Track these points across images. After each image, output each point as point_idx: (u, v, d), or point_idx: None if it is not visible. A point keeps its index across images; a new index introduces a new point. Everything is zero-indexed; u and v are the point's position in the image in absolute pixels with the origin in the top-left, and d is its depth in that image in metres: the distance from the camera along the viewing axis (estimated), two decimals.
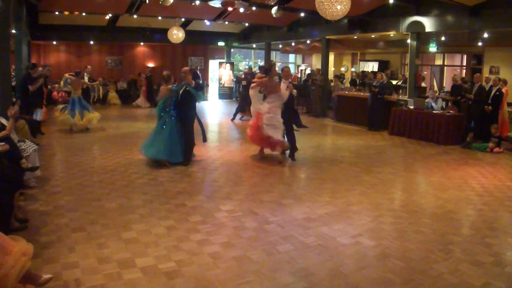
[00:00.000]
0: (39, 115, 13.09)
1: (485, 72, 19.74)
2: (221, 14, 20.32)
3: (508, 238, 6.40)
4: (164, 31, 20.07)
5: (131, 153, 11.13)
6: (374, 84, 16.52)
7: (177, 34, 18.97)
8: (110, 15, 20.39)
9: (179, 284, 4.63)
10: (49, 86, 16.65)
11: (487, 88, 13.82)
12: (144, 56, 26.79)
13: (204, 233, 6.04)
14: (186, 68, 10.76)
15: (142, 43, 26.28)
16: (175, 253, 5.38)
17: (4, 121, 7.45)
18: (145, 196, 7.66)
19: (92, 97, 17.10)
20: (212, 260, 5.21)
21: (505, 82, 14.54)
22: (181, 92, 10.04)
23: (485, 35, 16.64)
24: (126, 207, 7.04)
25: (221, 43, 27.62)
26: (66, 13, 19.33)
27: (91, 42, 24.82)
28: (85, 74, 18.16)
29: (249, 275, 4.89)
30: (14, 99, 10.66)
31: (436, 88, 20.85)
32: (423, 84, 19.88)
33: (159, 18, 20.66)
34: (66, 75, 15.34)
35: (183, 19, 21.66)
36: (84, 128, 14.45)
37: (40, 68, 16.40)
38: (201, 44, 27.59)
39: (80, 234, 5.87)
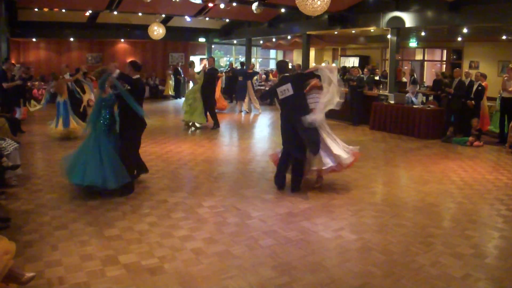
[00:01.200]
0: (18, 113, 13.00)
1: (465, 67, 19.91)
2: (201, 10, 20.26)
3: (487, 230, 6.48)
4: (145, 28, 19.95)
5: None
6: (352, 78, 16.60)
7: (157, 31, 18.88)
8: (90, 11, 20.25)
9: (162, 280, 4.64)
10: (29, 84, 16.23)
11: (466, 83, 13.97)
12: (125, 52, 26.61)
13: (186, 229, 6.04)
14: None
15: (122, 40, 26.09)
16: (158, 249, 5.39)
17: None
18: None
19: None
20: (195, 256, 5.23)
21: (484, 77, 14.69)
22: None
23: (465, 30, 16.78)
24: (109, 204, 7.01)
25: (202, 39, 27.50)
26: (46, 9, 19.17)
27: (71, 39, 24.56)
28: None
29: (231, 270, 4.91)
30: None
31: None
32: (403, 79, 20.01)
33: (140, 14, 20.60)
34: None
35: (163, 15, 21.53)
36: (64, 137, 12.42)
37: (18, 65, 16.29)
38: (181, 40, 27.46)
39: (63, 232, 5.84)
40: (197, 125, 15.12)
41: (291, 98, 7.79)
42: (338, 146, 8.09)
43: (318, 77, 7.93)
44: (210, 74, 15.18)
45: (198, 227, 6.16)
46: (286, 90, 7.79)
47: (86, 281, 4.58)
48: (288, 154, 7.98)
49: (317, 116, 7.78)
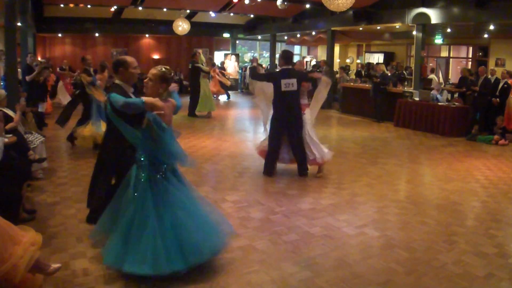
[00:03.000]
0: (41, 107, 13.18)
1: (491, 64, 19.64)
2: (226, 5, 20.28)
3: None
4: (169, 23, 20.08)
5: None
6: (375, 75, 16.54)
7: (182, 26, 18.98)
8: (115, 7, 20.39)
9: (185, 273, 4.66)
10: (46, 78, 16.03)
11: (492, 81, 13.83)
12: (150, 48, 26.80)
13: None
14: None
15: (147, 35, 26.25)
16: None
17: (11, 113, 7.53)
18: None
19: None
20: None
21: (510, 75, 14.52)
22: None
23: (491, 27, 16.59)
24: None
25: (226, 35, 27.56)
26: (71, 5, 19.33)
27: (96, 34, 24.79)
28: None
29: (254, 264, 4.95)
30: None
31: (441, 80, 20.75)
32: (430, 76, 19.81)
33: (164, 10, 20.64)
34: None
35: (188, 11, 21.62)
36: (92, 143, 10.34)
37: (43, 60, 16.52)
38: (206, 35, 27.53)
39: (87, 225, 5.89)
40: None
41: (293, 94, 8.09)
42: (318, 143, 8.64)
43: (311, 81, 8.61)
44: (194, 69, 16.17)
45: None
46: (291, 84, 8.20)
47: (110, 273, 4.64)
48: (278, 146, 8.54)
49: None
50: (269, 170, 8.64)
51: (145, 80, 4.78)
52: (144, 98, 4.56)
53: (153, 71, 4.78)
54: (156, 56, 26.58)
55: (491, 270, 5.03)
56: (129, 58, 5.38)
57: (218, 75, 19.30)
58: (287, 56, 8.49)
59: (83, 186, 7.59)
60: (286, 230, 5.96)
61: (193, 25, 20.89)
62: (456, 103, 14.57)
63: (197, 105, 16.24)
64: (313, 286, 4.56)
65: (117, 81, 5.26)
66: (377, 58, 24.94)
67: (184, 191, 4.90)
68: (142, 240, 4.43)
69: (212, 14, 22.27)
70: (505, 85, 13.56)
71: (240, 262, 5.02)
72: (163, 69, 4.82)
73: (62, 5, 19.37)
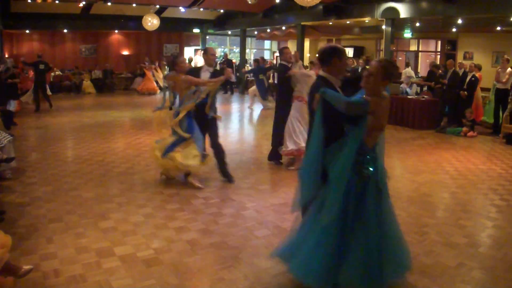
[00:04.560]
0: (12, 105, 12.98)
1: (459, 58, 19.90)
2: (196, 0, 20.19)
3: (481, 219, 6.54)
4: (139, 19, 19.90)
5: (107, 142, 11.06)
6: (346, 69, 16.55)
7: (151, 21, 18.84)
8: (83, 2, 20.11)
9: (157, 271, 4.66)
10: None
11: (460, 74, 14.01)
12: (119, 44, 26.54)
13: (181, 220, 6.06)
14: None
15: (116, 31, 26.01)
16: (153, 240, 5.40)
17: None
18: (122, 185, 7.64)
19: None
20: (190, 247, 5.25)
21: (479, 68, 14.74)
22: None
23: (459, 21, 16.79)
24: (103, 196, 7.02)
25: (196, 30, 27.46)
26: (39, 0, 19.04)
27: (65, 31, 24.45)
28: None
29: (227, 260, 4.93)
30: None
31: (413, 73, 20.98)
32: (405, 70, 19.91)
33: (134, 5, 20.47)
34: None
35: (157, 6, 21.46)
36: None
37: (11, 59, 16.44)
38: (176, 31, 27.40)
39: (58, 225, 5.84)
40: None
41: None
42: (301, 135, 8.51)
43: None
44: None
45: (194, 218, 6.17)
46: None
47: (81, 273, 4.58)
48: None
49: None
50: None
51: (365, 74, 4.09)
52: (368, 98, 4.01)
53: (375, 64, 4.11)
54: (125, 52, 26.35)
55: (462, 260, 5.10)
56: (342, 47, 4.69)
57: (155, 70, 19.23)
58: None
59: (53, 185, 7.53)
60: (258, 226, 5.96)
61: (163, 20, 20.73)
62: (425, 96, 14.74)
63: None
64: (286, 281, 4.56)
65: (322, 73, 4.55)
66: (347, 52, 24.96)
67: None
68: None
69: (182, 9, 22.20)
70: (473, 78, 13.73)
71: (212, 258, 5.00)
72: (386, 62, 4.19)
73: (29, 1, 19.10)
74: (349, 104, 3.99)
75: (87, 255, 4.98)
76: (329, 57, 4.45)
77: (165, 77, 8.19)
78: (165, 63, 25.62)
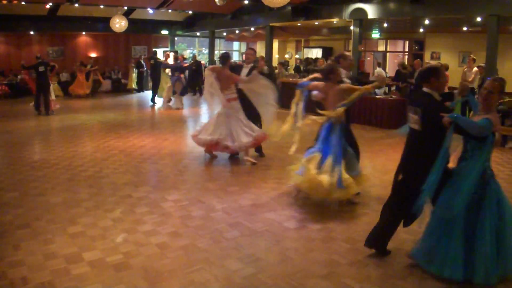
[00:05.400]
0: None
1: (427, 58, 20.22)
2: (164, 2, 20.09)
3: None
4: (107, 20, 19.63)
5: (75, 145, 10.91)
6: (316, 70, 16.72)
7: (119, 23, 18.63)
8: (50, 4, 19.83)
9: (127, 276, 4.62)
10: None
11: None
12: (87, 46, 26.21)
13: (151, 224, 6.02)
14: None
15: (84, 33, 25.68)
16: (123, 245, 5.36)
17: None
18: (91, 189, 7.55)
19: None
20: (160, 251, 5.22)
21: (445, 68, 14.97)
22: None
23: (426, 21, 17.03)
24: (72, 201, 6.92)
25: (164, 32, 27.30)
26: (4, 1, 18.68)
27: (32, 32, 24.01)
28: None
29: (197, 263, 4.92)
30: None
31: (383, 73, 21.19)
32: (377, 70, 20.08)
33: (101, 6, 20.26)
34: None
35: (125, 8, 21.28)
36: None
37: None
38: (144, 33, 27.17)
39: (25, 231, 5.75)
40: None
41: None
42: (242, 132, 9.14)
43: None
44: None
45: (163, 221, 6.14)
46: None
47: (50, 280, 4.52)
48: None
49: None
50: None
51: (484, 93, 4.58)
52: (492, 119, 4.47)
53: (492, 82, 4.64)
54: (93, 54, 26.03)
55: None
56: (438, 66, 5.12)
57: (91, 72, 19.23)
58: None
59: (20, 191, 7.41)
60: (227, 227, 5.95)
61: (131, 22, 20.53)
62: (393, 96, 14.90)
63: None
64: (256, 282, 4.57)
65: (426, 90, 4.90)
66: (315, 53, 25.22)
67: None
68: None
69: (150, 10, 22.05)
70: None
71: (182, 261, 4.97)
72: (501, 80, 4.69)
73: None
74: (481, 128, 4.44)
75: (56, 261, 4.91)
76: (427, 77, 4.90)
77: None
78: (133, 65, 25.44)
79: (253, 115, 9.50)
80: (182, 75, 18.49)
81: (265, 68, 8.16)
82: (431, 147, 4.72)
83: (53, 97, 16.47)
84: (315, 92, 7.36)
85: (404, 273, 4.82)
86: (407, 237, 5.65)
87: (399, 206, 5.13)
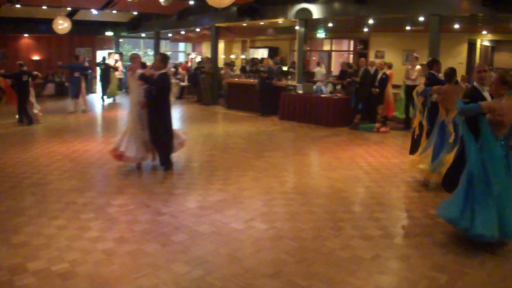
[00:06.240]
0: None
1: (371, 56, 20.54)
2: (108, 3, 19.80)
3: (395, 211, 6.88)
4: (50, 22, 19.21)
5: (17, 151, 10.58)
6: (262, 69, 16.82)
7: (63, 25, 18.26)
8: None
9: (74, 284, 4.54)
10: None
11: (372, 72, 14.47)
12: (29, 48, 25.54)
13: (96, 230, 5.92)
14: None
15: (26, 35, 25.02)
16: (68, 253, 5.24)
17: None
18: (34, 196, 7.36)
19: None
20: (106, 257, 5.13)
21: (389, 66, 15.33)
22: None
23: (371, 21, 17.32)
24: (15, 209, 6.72)
25: (109, 33, 26.91)
26: None
27: None
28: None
29: (144, 268, 4.87)
30: None
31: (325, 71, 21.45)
32: (316, 69, 20.31)
33: (44, 7, 19.80)
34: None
35: (69, 9, 20.88)
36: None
37: None
38: (88, 34, 26.67)
39: None
40: None
41: None
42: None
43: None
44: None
45: (109, 227, 6.05)
46: None
47: (15, 278, 4.46)
48: None
49: None
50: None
51: (489, 83, 5.93)
52: (481, 103, 5.59)
53: (494, 75, 5.87)
54: (36, 57, 25.42)
55: (377, 252, 5.31)
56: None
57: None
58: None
59: None
60: (174, 231, 5.91)
61: (75, 23, 20.10)
62: (338, 95, 15.11)
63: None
64: (205, 285, 4.57)
65: (475, 84, 6.17)
66: (261, 53, 25.31)
67: None
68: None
69: (94, 11, 21.65)
70: (384, 76, 14.24)
71: (129, 267, 4.91)
72: (503, 72, 5.82)
73: None
74: (461, 109, 5.70)
75: None
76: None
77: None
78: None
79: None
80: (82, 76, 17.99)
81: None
82: None
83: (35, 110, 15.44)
84: (435, 96, 8.04)
85: (352, 269, 4.89)
86: (352, 232, 5.73)
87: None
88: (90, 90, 24.23)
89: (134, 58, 9.47)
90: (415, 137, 8.71)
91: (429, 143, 7.97)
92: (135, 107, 8.87)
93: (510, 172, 5.62)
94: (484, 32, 18.69)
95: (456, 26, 16.19)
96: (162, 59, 8.97)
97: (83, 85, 17.91)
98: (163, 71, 8.71)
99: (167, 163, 8.96)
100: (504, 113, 5.41)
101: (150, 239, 5.65)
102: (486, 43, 20.45)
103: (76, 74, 17.51)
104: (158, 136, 8.81)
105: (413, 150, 8.84)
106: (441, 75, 8.89)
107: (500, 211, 5.34)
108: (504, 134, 5.61)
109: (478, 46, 19.69)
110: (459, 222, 5.48)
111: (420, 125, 8.50)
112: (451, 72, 7.86)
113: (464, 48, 18.85)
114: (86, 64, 19.50)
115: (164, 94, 8.77)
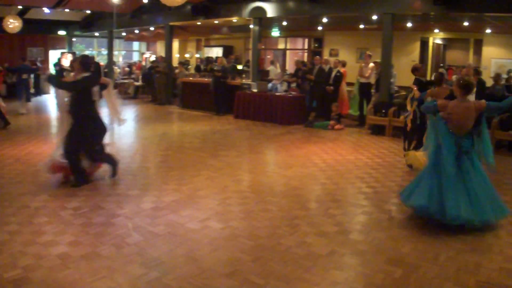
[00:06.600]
0: None
1: (326, 55, 20.78)
2: (60, 1, 19.46)
3: (350, 207, 7.00)
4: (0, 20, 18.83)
5: None
6: (216, 68, 16.83)
7: (13, 23, 17.91)
8: None
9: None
10: None
11: (326, 70, 14.64)
12: None
13: (50, 234, 5.80)
14: None
15: None
16: (21, 258, 5.12)
17: None
18: None
19: None
20: (61, 261, 5.04)
21: (343, 64, 15.54)
22: None
23: (325, 19, 17.51)
24: None
25: (61, 32, 26.43)
26: None
27: None
28: None
29: (100, 271, 4.81)
30: None
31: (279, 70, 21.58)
32: (270, 67, 20.41)
33: None
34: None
35: (20, 7, 20.44)
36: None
37: None
38: (40, 33, 26.11)
39: None
40: None
41: None
42: None
43: None
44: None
45: (63, 230, 5.94)
46: None
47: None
48: None
49: None
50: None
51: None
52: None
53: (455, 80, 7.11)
54: None
55: (333, 248, 5.40)
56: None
57: None
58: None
59: None
60: (129, 232, 5.87)
61: (26, 22, 19.70)
62: (293, 93, 15.25)
63: None
64: (161, 286, 4.55)
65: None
66: (216, 52, 25.28)
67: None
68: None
69: (46, 10, 21.22)
70: (338, 74, 14.44)
71: (84, 271, 4.84)
72: (460, 78, 6.81)
73: None
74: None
75: None
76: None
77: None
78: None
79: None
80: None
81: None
82: None
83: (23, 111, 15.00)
84: (429, 98, 8.60)
85: (308, 266, 4.96)
86: (307, 229, 5.80)
87: None
88: (43, 91, 23.80)
89: (74, 61, 8.76)
90: (408, 130, 9.51)
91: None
92: (61, 113, 8.34)
93: (473, 165, 6.18)
94: (436, 31, 19.08)
95: (409, 24, 16.52)
96: (82, 61, 8.04)
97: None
98: (85, 74, 7.87)
99: (77, 177, 7.97)
100: (452, 112, 6.14)
101: (105, 241, 5.58)
102: (438, 41, 20.87)
103: (24, 76, 17.14)
104: (70, 143, 7.83)
105: (409, 146, 9.51)
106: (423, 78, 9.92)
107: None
108: (464, 133, 6.21)
109: (430, 44, 20.08)
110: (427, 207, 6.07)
111: (413, 122, 9.29)
112: (440, 76, 9.12)
113: (416, 46, 19.29)
114: (39, 64, 19.16)
115: (84, 100, 7.83)
